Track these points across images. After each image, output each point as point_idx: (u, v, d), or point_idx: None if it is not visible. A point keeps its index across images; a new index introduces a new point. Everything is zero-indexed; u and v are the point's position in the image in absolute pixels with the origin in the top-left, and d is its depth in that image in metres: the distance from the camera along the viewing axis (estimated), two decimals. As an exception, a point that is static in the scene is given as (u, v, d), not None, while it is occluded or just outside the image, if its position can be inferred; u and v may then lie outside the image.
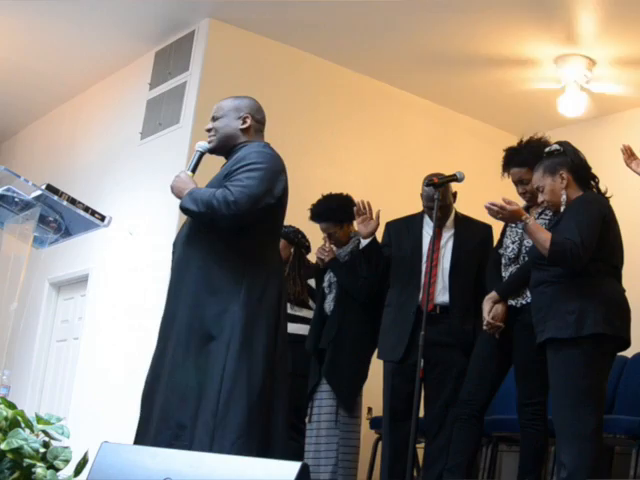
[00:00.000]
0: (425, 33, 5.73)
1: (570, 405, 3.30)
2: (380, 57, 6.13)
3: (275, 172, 3.21)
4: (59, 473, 2.40)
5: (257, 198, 3.11)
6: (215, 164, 3.45)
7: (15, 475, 2.35)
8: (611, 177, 3.75)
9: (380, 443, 4.78)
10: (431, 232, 4.18)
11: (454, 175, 4.01)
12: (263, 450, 2.98)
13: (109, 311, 6.06)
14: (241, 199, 3.06)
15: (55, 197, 3.43)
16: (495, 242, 4.22)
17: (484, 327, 3.91)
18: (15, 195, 3.46)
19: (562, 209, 3.48)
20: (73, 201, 3.47)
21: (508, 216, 3.45)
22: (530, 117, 6.48)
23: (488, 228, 4.39)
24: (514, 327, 3.87)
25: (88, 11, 5.88)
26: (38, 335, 6.90)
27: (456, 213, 4.39)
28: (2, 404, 2.53)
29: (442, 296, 4.23)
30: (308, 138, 5.96)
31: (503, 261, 4.00)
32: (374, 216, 4.32)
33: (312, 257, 4.98)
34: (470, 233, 4.35)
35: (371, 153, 6.38)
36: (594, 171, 3.61)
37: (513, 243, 3.97)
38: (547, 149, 3.60)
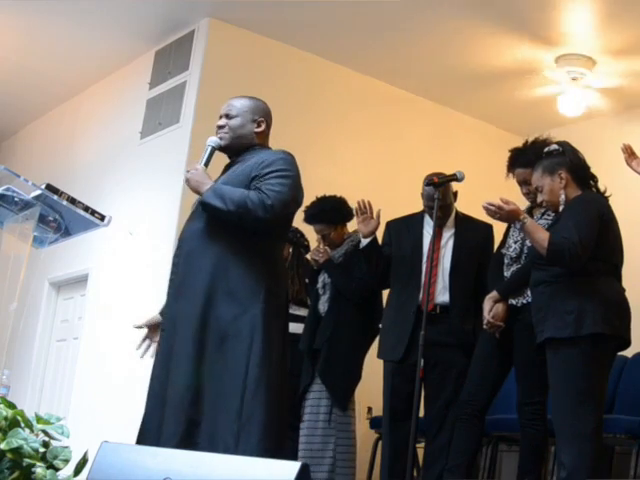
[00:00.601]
0: (425, 33, 5.73)
1: (570, 405, 3.29)
2: (380, 57, 6.13)
3: (300, 182, 3.27)
4: (59, 473, 2.40)
5: (289, 205, 3.19)
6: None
7: (15, 475, 2.35)
8: (611, 176, 3.74)
9: (380, 443, 4.78)
10: (431, 232, 4.18)
11: (454, 175, 4.01)
12: (280, 450, 3.00)
13: (109, 311, 6.06)
14: (277, 205, 3.10)
15: (55, 197, 3.42)
16: (498, 242, 4.22)
17: (484, 326, 3.91)
18: (15, 195, 3.46)
19: (561, 209, 3.48)
20: (73, 201, 3.46)
21: (506, 216, 3.46)
22: (530, 117, 6.48)
23: (489, 228, 4.38)
24: (515, 327, 3.87)
25: (88, 11, 5.88)
26: (38, 335, 6.90)
27: (457, 213, 4.39)
28: (2, 404, 2.52)
29: (442, 296, 4.23)
30: (308, 137, 5.96)
31: (505, 261, 4.00)
32: (374, 215, 4.32)
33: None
34: (471, 233, 4.35)
35: (371, 153, 6.38)
36: (594, 171, 3.61)
37: (515, 243, 3.97)
38: (546, 149, 3.60)
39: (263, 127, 3.36)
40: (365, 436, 5.39)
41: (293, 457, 4.35)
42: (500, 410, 4.62)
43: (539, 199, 3.57)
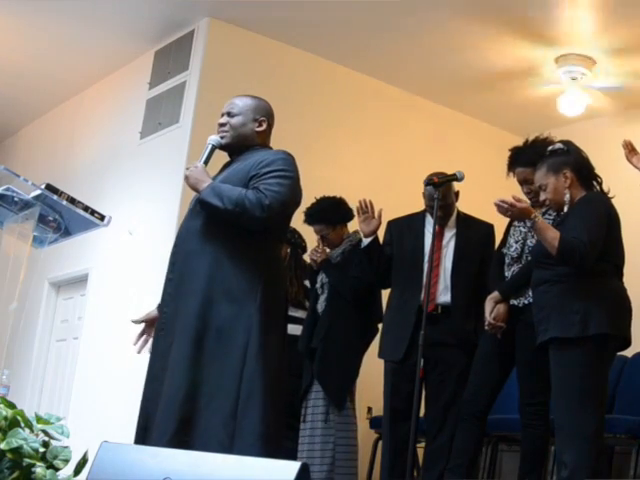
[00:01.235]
0: (425, 33, 5.73)
1: (572, 405, 3.29)
2: (381, 56, 6.12)
3: (298, 182, 3.26)
4: (59, 473, 2.39)
5: (287, 205, 3.19)
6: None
7: (15, 475, 2.35)
8: (611, 176, 3.74)
9: (380, 443, 4.78)
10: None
11: (454, 174, 4.01)
12: (276, 450, 3.00)
13: (109, 311, 6.06)
14: (274, 204, 3.09)
15: (55, 196, 3.42)
16: (499, 241, 4.21)
17: (485, 327, 3.90)
18: (14, 194, 3.45)
19: (566, 208, 3.47)
20: (73, 200, 3.46)
21: (517, 214, 3.44)
22: (530, 117, 6.48)
23: (490, 227, 4.38)
24: (516, 327, 3.87)
25: (88, 10, 5.87)
26: (38, 335, 6.89)
27: (458, 212, 4.39)
28: (2, 404, 2.52)
29: (444, 296, 4.23)
30: (308, 137, 5.96)
31: (506, 260, 4.00)
32: (376, 215, 4.32)
33: (307, 258, 4.99)
34: (472, 232, 4.35)
35: (372, 152, 6.38)
36: (595, 170, 3.61)
37: (516, 242, 3.96)
38: (550, 147, 3.60)
39: (264, 127, 3.35)
40: (365, 436, 5.39)
41: (293, 457, 4.35)
42: (500, 410, 4.62)
43: (542, 197, 3.57)
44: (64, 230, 3.59)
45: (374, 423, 5.33)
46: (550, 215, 3.85)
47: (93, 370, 6.04)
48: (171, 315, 3.17)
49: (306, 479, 1.87)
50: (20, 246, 3.53)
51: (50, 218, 3.51)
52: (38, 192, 3.44)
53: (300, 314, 4.83)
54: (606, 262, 3.41)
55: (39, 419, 2.53)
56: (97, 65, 6.69)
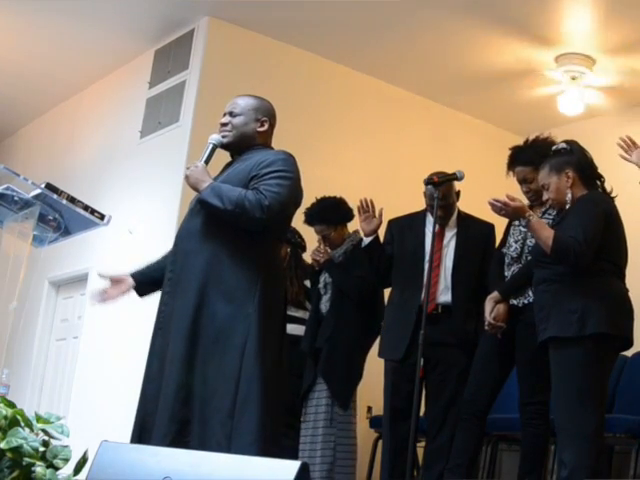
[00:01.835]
0: (425, 32, 5.73)
1: (572, 404, 3.29)
2: (380, 55, 6.12)
3: (299, 183, 3.26)
4: (58, 472, 2.39)
5: (286, 206, 3.18)
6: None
7: (14, 474, 2.34)
8: (611, 175, 3.74)
9: (380, 442, 4.78)
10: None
11: (454, 174, 4.01)
12: (274, 450, 2.99)
13: (108, 310, 6.03)
14: (274, 205, 3.08)
15: (54, 196, 3.42)
16: (498, 241, 4.21)
17: (485, 327, 3.90)
18: (14, 194, 3.45)
19: (567, 207, 3.48)
20: (72, 200, 3.46)
21: (512, 212, 3.45)
22: (530, 116, 6.48)
23: (491, 227, 4.39)
24: (516, 327, 3.87)
25: (87, 10, 5.87)
26: (37, 334, 6.89)
27: (459, 212, 4.39)
28: (1, 403, 2.52)
29: (444, 296, 4.23)
30: (308, 137, 5.95)
31: (506, 260, 4.00)
32: (376, 214, 4.32)
33: (307, 258, 4.98)
34: (473, 232, 4.35)
35: (372, 152, 6.38)
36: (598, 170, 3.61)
37: (516, 242, 3.96)
38: (554, 147, 3.61)
39: (266, 127, 3.35)
40: (365, 435, 5.39)
41: (294, 456, 4.35)
42: (500, 409, 4.62)
43: (545, 197, 3.57)
44: (64, 229, 3.59)
45: (374, 422, 5.33)
46: (550, 215, 3.85)
47: (93, 369, 6.04)
48: (169, 314, 3.17)
49: (306, 478, 1.86)
50: (20, 245, 3.53)
51: (50, 217, 3.51)
52: (38, 191, 3.44)
53: (300, 314, 4.83)
54: (605, 261, 3.41)
55: (39, 418, 2.53)
56: (97, 64, 6.69)
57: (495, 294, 3.91)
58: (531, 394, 3.84)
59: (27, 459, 2.36)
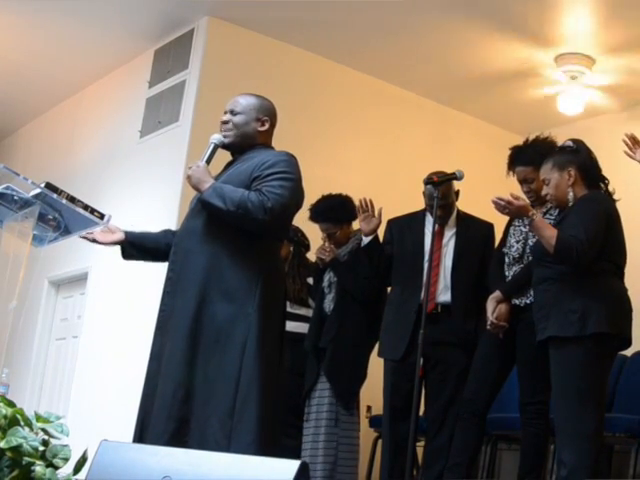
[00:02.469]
0: (426, 32, 5.73)
1: (571, 404, 3.30)
2: (381, 56, 6.12)
3: (301, 184, 3.25)
4: (58, 471, 2.39)
5: (289, 208, 3.19)
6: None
7: (14, 473, 2.34)
8: (611, 175, 3.74)
9: (380, 442, 4.78)
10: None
11: (453, 174, 4.01)
12: (273, 450, 2.99)
13: (108, 309, 6.06)
14: (276, 207, 3.08)
15: (54, 195, 3.41)
16: (497, 240, 4.21)
17: (488, 327, 3.90)
18: (14, 193, 3.45)
19: (570, 205, 3.48)
20: (72, 199, 3.45)
21: (515, 211, 3.45)
22: (530, 116, 6.48)
23: (490, 226, 4.39)
24: (518, 326, 3.87)
25: (87, 9, 5.87)
26: (37, 333, 6.89)
27: (458, 212, 4.39)
28: (1, 402, 2.52)
29: (444, 295, 4.23)
30: (308, 137, 5.95)
31: (507, 260, 4.00)
32: (376, 214, 4.32)
33: (311, 256, 4.98)
34: (472, 231, 4.35)
35: (372, 152, 6.38)
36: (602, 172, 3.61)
37: (517, 242, 3.96)
38: (561, 144, 3.62)
39: (267, 126, 3.35)
40: (364, 435, 5.38)
41: (295, 455, 4.35)
42: (500, 409, 4.62)
43: (543, 192, 3.58)
44: (64, 229, 3.58)
45: (374, 422, 5.32)
46: (551, 215, 3.85)
47: (93, 369, 6.04)
48: (169, 313, 3.17)
49: (306, 478, 1.86)
50: (20, 245, 3.52)
51: (50, 217, 3.51)
52: (38, 191, 3.43)
53: (303, 312, 4.82)
54: (606, 261, 3.41)
55: (39, 418, 2.53)
56: (97, 64, 6.69)
57: (497, 294, 3.91)
58: (532, 394, 3.84)
59: (27, 458, 2.36)
